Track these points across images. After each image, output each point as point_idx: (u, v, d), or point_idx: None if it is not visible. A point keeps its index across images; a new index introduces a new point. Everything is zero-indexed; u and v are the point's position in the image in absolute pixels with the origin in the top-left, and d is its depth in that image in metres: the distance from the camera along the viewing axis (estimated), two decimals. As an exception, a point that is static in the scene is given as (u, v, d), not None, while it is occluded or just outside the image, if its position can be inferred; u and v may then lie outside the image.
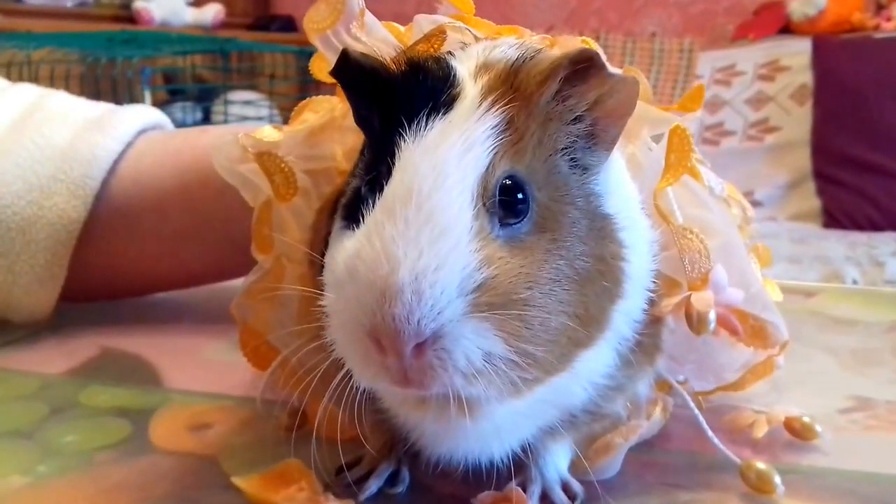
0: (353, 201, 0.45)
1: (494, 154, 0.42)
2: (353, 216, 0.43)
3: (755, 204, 3.15)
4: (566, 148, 0.45)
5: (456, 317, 0.39)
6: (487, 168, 0.42)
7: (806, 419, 0.59)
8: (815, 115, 3.30)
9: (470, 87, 0.44)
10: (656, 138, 0.55)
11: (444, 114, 0.43)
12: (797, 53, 3.47)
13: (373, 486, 0.51)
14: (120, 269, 0.86)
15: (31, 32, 3.19)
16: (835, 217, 3.06)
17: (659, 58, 3.87)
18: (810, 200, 3.16)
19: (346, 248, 0.42)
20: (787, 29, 3.67)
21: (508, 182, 0.42)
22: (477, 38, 0.51)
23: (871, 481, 0.54)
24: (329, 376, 0.44)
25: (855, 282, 2.49)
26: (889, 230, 2.91)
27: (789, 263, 2.56)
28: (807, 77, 3.39)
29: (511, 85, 0.44)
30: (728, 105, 3.50)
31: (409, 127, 0.43)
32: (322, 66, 0.56)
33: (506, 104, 0.43)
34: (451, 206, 0.40)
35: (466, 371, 0.40)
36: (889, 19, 3.55)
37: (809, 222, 3.09)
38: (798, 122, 3.34)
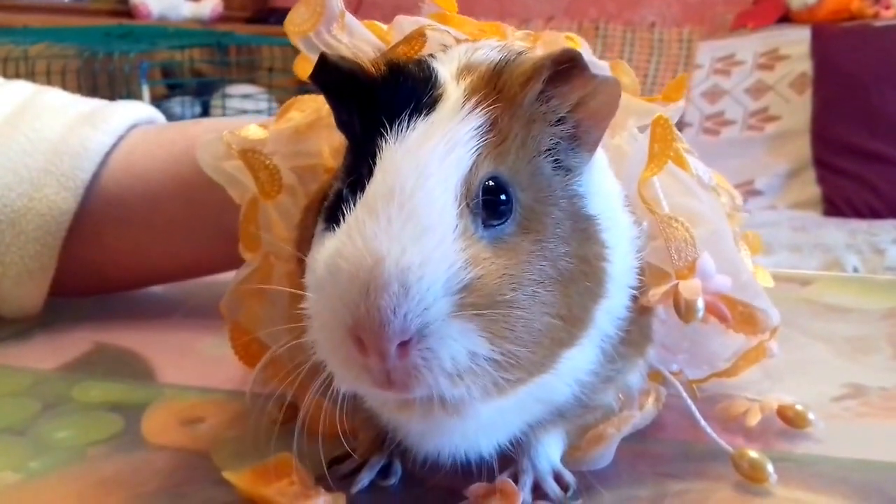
0: (334, 203, 0.44)
1: (477, 155, 0.42)
2: (334, 217, 0.43)
3: (755, 193, 3.16)
4: (549, 149, 0.45)
5: (441, 316, 0.39)
6: (470, 169, 0.41)
7: (799, 407, 0.58)
8: (815, 103, 3.29)
9: (452, 88, 0.44)
10: (642, 129, 0.55)
11: (426, 115, 0.43)
12: (796, 42, 3.46)
13: (364, 478, 0.51)
14: (111, 261, 0.86)
15: (28, 27, 3.18)
16: (835, 205, 3.05)
17: (658, 48, 3.87)
18: (810, 188, 3.16)
19: (327, 247, 0.42)
20: (787, 18, 3.66)
21: (491, 183, 0.42)
22: (458, 40, 0.51)
23: (864, 468, 0.54)
24: (318, 372, 0.43)
25: (856, 269, 2.48)
26: (889, 217, 2.91)
27: (790, 251, 2.56)
28: (806, 66, 3.39)
29: (494, 86, 0.44)
30: (728, 94, 3.49)
31: (391, 129, 0.42)
32: (306, 68, 0.56)
33: (489, 105, 0.43)
34: (434, 205, 0.40)
35: (452, 372, 0.39)
36: (888, 7, 3.54)
37: (810, 210, 3.08)
38: (798, 111, 3.33)
